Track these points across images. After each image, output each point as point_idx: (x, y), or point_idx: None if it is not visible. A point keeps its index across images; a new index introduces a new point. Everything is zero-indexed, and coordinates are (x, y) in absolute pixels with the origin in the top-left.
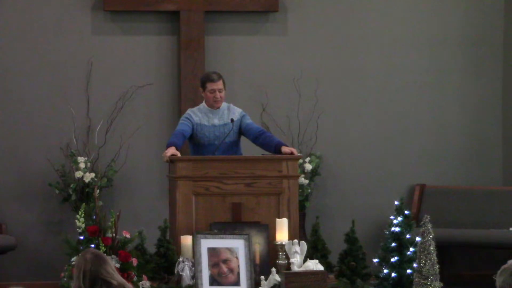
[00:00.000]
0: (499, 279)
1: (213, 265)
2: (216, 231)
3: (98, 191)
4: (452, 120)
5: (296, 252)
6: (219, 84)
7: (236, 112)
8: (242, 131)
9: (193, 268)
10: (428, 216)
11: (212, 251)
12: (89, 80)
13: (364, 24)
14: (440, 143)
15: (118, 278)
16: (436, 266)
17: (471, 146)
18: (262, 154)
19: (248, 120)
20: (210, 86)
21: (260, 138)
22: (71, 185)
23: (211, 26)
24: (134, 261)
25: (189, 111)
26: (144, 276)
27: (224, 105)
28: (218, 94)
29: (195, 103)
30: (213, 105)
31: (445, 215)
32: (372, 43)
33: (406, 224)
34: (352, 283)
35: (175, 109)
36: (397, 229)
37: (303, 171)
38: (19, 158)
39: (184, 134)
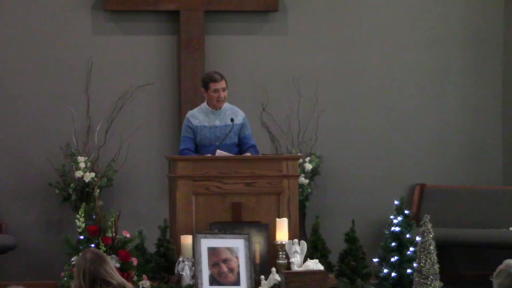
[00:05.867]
0: (495, 281)
1: (213, 264)
2: (216, 230)
3: (98, 190)
4: (452, 120)
5: (296, 251)
6: (223, 83)
7: (239, 115)
8: (238, 138)
9: (193, 268)
10: (428, 216)
11: (212, 251)
12: (89, 80)
13: (364, 24)
14: (440, 143)
15: (118, 277)
16: (436, 266)
17: (471, 146)
18: (262, 154)
19: (247, 132)
20: (213, 86)
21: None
22: (71, 185)
23: (211, 26)
24: (134, 261)
25: (188, 115)
26: (144, 276)
27: (226, 106)
28: (222, 94)
29: (195, 103)
30: (216, 105)
31: (445, 215)
32: (372, 43)
33: (406, 224)
34: (352, 283)
35: (175, 109)
36: (397, 228)
37: (303, 170)
38: (19, 158)
39: (192, 152)
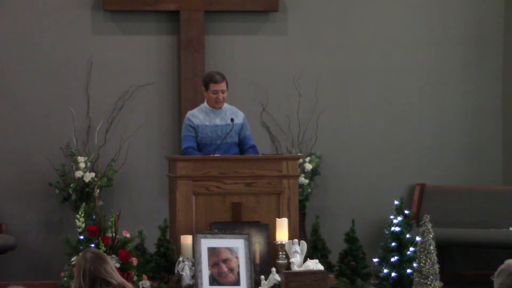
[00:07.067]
0: (496, 280)
1: (213, 264)
2: (216, 230)
3: (98, 190)
4: (452, 120)
5: (296, 251)
6: (222, 85)
7: (239, 116)
8: (238, 138)
9: (193, 268)
10: (428, 216)
11: (212, 251)
12: (89, 80)
13: (364, 24)
14: (440, 143)
15: (118, 277)
16: (436, 266)
17: (471, 146)
18: (262, 154)
19: (247, 132)
20: (213, 87)
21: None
22: (71, 185)
23: (211, 26)
24: (134, 261)
25: (188, 115)
26: (144, 276)
27: (226, 106)
28: (220, 95)
29: (195, 103)
30: (215, 105)
31: (445, 215)
32: (372, 43)
33: (406, 224)
34: (352, 283)
35: (175, 109)
36: (397, 228)
37: (303, 170)
38: (19, 158)
39: (195, 151)
